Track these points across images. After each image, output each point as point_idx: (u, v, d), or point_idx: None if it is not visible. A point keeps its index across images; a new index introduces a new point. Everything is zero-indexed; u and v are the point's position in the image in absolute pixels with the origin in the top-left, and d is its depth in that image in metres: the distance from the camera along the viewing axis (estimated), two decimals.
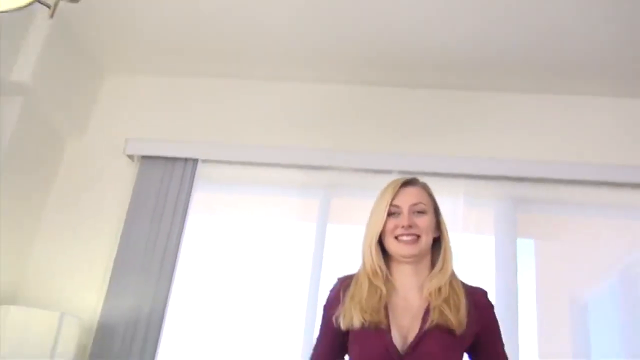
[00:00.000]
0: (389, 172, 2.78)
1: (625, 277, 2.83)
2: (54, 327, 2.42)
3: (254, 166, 2.96)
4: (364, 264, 1.62)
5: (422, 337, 1.46)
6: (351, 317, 1.51)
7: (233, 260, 2.94)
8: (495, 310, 2.43)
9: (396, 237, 1.57)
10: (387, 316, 1.50)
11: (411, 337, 1.47)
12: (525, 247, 2.95)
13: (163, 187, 2.90)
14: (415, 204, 1.60)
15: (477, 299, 1.58)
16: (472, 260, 2.66)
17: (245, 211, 3.08)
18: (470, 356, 1.61)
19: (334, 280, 1.68)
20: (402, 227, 1.56)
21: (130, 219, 2.86)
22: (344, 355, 1.62)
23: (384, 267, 1.59)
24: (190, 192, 2.90)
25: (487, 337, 1.56)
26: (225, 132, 3.11)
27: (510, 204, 2.85)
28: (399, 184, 1.63)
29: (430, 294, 1.52)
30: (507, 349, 2.50)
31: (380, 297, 1.52)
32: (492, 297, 2.63)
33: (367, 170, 2.86)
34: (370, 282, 1.55)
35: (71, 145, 3.14)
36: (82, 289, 2.81)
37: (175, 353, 2.77)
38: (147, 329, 2.64)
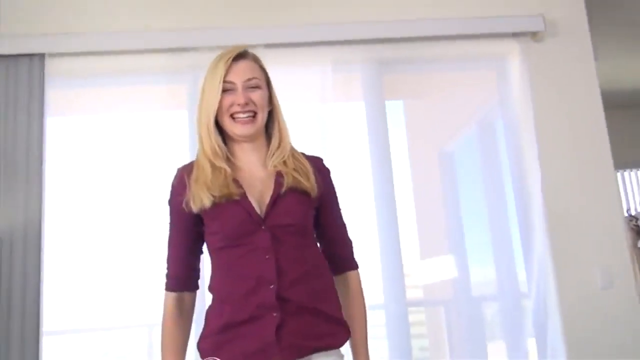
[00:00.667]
0: (253, 46, 2.65)
1: (482, 126, 3.07)
2: None
3: (109, 55, 2.73)
4: (202, 146, 1.57)
5: (278, 197, 1.50)
6: (200, 198, 1.49)
7: (104, 159, 2.81)
8: (371, 171, 2.56)
9: (232, 115, 1.54)
10: (239, 187, 1.51)
11: (267, 199, 1.50)
12: (395, 108, 3.08)
13: (10, 89, 2.63)
14: (249, 79, 1.55)
15: (319, 165, 1.62)
16: (344, 127, 2.74)
17: (109, 105, 2.90)
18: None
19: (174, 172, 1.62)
20: (238, 104, 1.53)
21: None
22: (200, 250, 1.61)
23: (222, 146, 1.56)
24: (43, 92, 2.65)
25: (329, 200, 1.61)
26: (73, 20, 2.80)
27: (377, 67, 2.90)
28: (231, 58, 1.56)
29: (275, 167, 1.55)
30: (384, 199, 2.73)
31: (225, 175, 1.52)
32: (366, 161, 2.78)
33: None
34: (212, 164, 1.53)
35: None
36: None
37: (61, 263, 2.68)
38: (26, 241, 2.51)
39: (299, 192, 1.51)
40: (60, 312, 2.64)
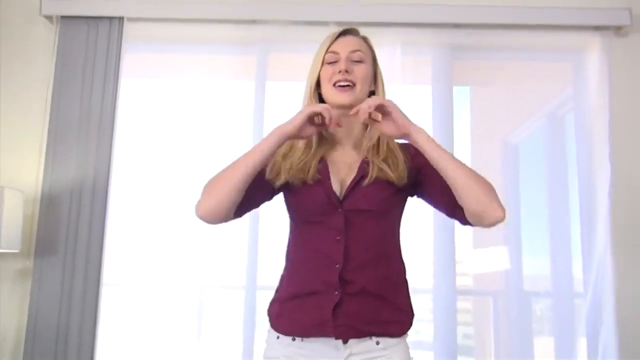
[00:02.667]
0: (325, 23, 2.71)
1: (552, 119, 2.98)
2: None
3: (185, 23, 2.81)
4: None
5: (358, 183, 1.51)
6: (280, 174, 1.54)
7: (172, 123, 2.90)
8: None
9: (334, 85, 1.55)
10: (324, 169, 1.54)
11: (348, 182, 1.53)
12: (461, 94, 3.03)
13: (89, 50, 2.75)
14: (353, 51, 1.56)
15: (410, 150, 1.59)
16: (410, 110, 2.72)
17: (181, 72, 2.97)
18: (424, 198, 1.61)
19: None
20: (339, 72, 1.54)
21: (58, 85, 2.73)
22: (255, 201, 1.59)
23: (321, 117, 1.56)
24: (120, 54, 2.76)
25: (428, 169, 1.51)
26: None
27: (448, 52, 2.86)
28: (338, 33, 1.60)
29: (367, 151, 1.55)
30: None
31: (313, 156, 1.55)
32: None
33: (303, 23, 2.76)
34: (306, 142, 1.56)
35: None
36: (20, 161, 2.74)
37: (125, 219, 2.80)
38: (93, 197, 2.64)
39: (382, 181, 1.51)
40: (119, 264, 2.77)
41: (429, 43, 2.85)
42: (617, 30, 2.77)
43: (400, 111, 1.46)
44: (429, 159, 1.45)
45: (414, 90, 2.86)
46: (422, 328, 2.76)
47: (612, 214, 2.63)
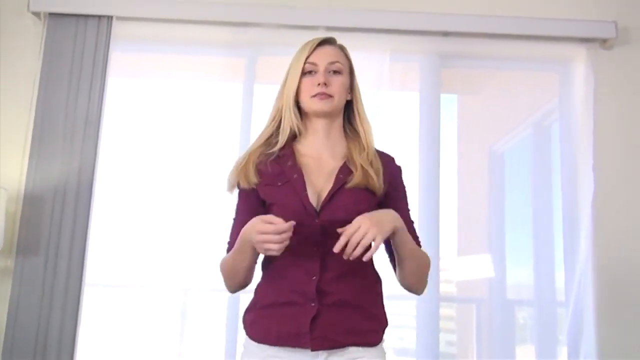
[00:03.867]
0: (315, 28, 2.71)
1: (538, 128, 3.01)
2: None
3: (174, 23, 2.79)
4: (272, 123, 1.63)
5: (337, 192, 1.52)
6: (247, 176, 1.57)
7: (159, 124, 2.88)
8: (419, 163, 2.54)
9: (312, 96, 1.57)
10: (300, 175, 1.54)
11: (324, 194, 1.52)
12: (449, 102, 3.05)
13: (77, 48, 2.72)
14: (332, 63, 1.58)
15: (389, 161, 1.63)
16: (396, 116, 2.74)
17: (169, 72, 2.96)
18: None
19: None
20: (318, 84, 1.55)
21: (44, 83, 2.70)
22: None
23: (302, 128, 1.61)
24: (107, 53, 2.73)
25: (396, 197, 1.60)
26: None
27: (436, 59, 2.88)
28: (316, 43, 1.61)
29: (347, 159, 1.57)
30: (429, 191, 2.72)
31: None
32: (415, 151, 2.77)
33: (293, 27, 2.77)
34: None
35: None
36: (4, 159, 2.70)
37: (108, 219, 2.78)
38: (77, 196, 2.61)
39: (363, 190, 1.52)
40: (102, 265, 2.75)
41: (418, 50, 2.87)
42: (603, 42, 2.81)
43: (378, 224, 1.39)
44: (398, 243, 1.49)
45: (401, 97, 2.88)
46: (405, 335, 2.77)
47: (595, 223, 2.66)
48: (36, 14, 2.76)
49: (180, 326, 2.82)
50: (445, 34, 2.82)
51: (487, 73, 3.12)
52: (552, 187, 2.85)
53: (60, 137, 2.65)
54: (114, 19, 2.75)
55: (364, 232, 1.35)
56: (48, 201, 2.60)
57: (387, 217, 1.44)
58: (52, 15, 2.74)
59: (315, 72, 1.58)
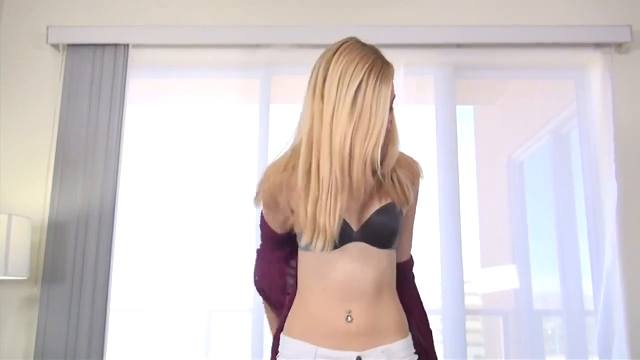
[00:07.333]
0: (326, 46, 2.72)
1: (557, 136, 2.98)
2: (3, 229, 2.40)
3: (189, 48, 2.84)
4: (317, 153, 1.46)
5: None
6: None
7: (178, 148, 2.92)
8: (438, 176, 2.50)
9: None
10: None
11: (365, 213, 1.49)
12: (465, 114, 3.04)
13: (95, 77, 2.78)
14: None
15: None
16: (413, 130, 2.73)
17: (185, 96, 3.00)
18: None
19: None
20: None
21: (65, 112, 2.76)
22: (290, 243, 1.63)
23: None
24: (125, 80, 2.79)
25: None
26: (156, 13, 2.94)
27: (450, 71, 2.88)
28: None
29: (383, 177, 1.48)
30: (449, 204, 2.71)
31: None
32: (434, 165, 2.75)
33: (305, 46, 2.79)
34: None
35: None
36: (28, 189, 2.76)
37: (131, 245, 2.80)
38: (100, 223, 2.65)
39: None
40: (126, 290, 2.77)
41: (432, 63, 2.87)
42: (619, 47, 2.79)
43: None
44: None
45: (417, 110, 2.88)
46: None
47: (620, 229, 2.61)
48: (55, 46, 2.83)
49: (206, 348, 2.82)
50: (459, 45, 2.82)
51: (502, 83, 3.11)
52: (575, 193, 2.81)
53: (81, 165, 2.70)
54: (130, 47, 2.80)
55: None
56: (72, 229, 2.64)
57: None
58: (71, 46, 2.81)
59: None
